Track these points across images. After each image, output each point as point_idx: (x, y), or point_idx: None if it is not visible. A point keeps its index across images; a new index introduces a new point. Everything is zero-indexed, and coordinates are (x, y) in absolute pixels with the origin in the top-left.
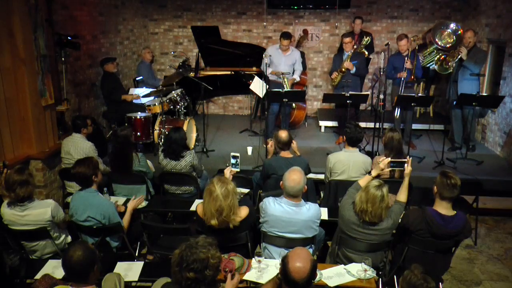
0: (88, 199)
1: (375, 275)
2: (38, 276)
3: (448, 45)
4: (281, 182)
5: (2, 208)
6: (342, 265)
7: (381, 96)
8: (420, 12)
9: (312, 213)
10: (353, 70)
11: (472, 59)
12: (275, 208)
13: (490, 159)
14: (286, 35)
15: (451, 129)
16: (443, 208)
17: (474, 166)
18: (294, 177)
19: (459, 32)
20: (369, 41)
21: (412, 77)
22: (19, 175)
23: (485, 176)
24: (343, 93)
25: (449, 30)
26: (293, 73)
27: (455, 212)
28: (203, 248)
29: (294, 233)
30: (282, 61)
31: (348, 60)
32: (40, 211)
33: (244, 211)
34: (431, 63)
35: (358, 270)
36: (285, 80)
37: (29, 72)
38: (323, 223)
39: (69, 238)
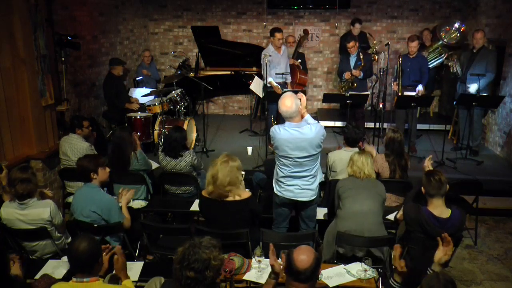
0: (90, 193)
1: (375, 275)
2: (38, 276)
3: (452, 42)
4: (278, 110)
5: (2, 208)
6: (342, 265)
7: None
8: (420, 12)
9: (317, 130)
10: (361, 76)
11: (483, 61)
12: (282, 133)
13: (490, 159)
14: (278, 29)
15: (453, 129)
16: (436, 207)
17: (474, 166)
18: (285, 102)
19: (461, 29)
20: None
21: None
22: (22, 173)
23: (485, 176)
24: (343, 93)
25: (453, 28)
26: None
27: (450, 211)
28: (206, 248)
29: (302, 151)
30: (281, 61)
31: (359, 69)
32: (39, 210)
33: (245, 194)
34: (435, 60)
35: (358, 270)
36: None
37: (29, 72)
38: (323, 222)
39: (69, 239)
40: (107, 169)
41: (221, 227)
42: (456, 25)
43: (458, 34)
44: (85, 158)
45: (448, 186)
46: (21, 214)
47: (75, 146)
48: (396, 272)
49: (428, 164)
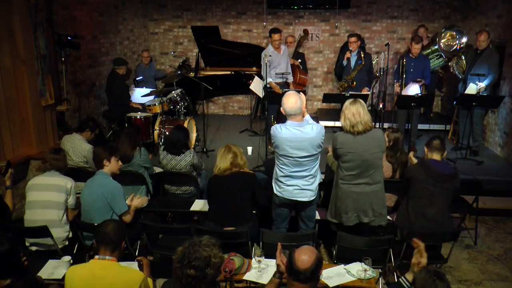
0: (100, 178)
1: (375, 275)
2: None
3: (444, 48)
4: (281, 108)
5: (32, 179)
6: (342, 265)
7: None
8: (420, 12)
9: (318, 130)
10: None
11: (485, 62)
12: (283, 132)
13: (490, 159)
14: (276, 30)
15: (453, 129)
16: (434, 157)
17: (474, 166)
18: (290, 99)
19: (461, 46)
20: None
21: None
22: (56, 154)
23: (485, 176)
24: (343, 93)
25: (457, 41)
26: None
27: None
28: (206, 246)
29: (302, 150)
30: (281, 61)
31: (355, 72)
32: (64, 180)
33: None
34: (436, 65)
35: (358, 270)
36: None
37: (29, 72)
38: (322, 222)
39: (70, 234)
40: (120, 162)
41: (228, 196)
42: (463, 39)
43: (455, 46)
44: (101, 146)
45: (446, 152)
46: (47, 179)
47: (77, 147)
48: (412, 269)
49: (411, 157)
